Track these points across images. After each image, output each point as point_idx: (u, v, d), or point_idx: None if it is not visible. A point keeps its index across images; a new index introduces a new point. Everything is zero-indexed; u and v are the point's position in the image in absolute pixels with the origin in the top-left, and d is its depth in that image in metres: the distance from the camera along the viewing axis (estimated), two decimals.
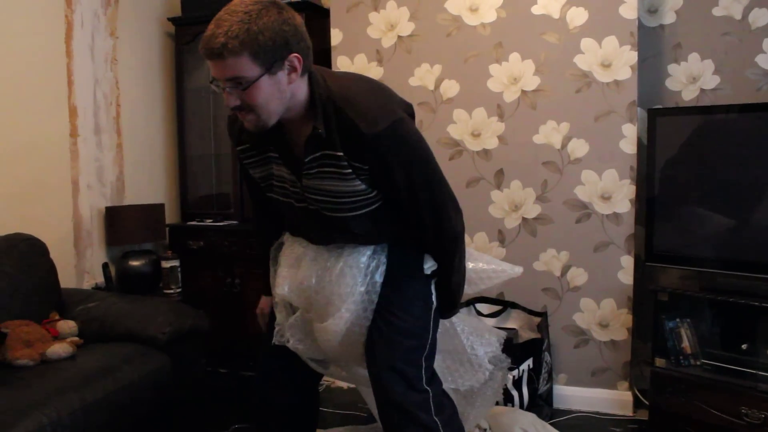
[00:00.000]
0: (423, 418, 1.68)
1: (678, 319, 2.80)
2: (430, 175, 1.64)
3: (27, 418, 1.99)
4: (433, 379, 1.80)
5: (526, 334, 3.13)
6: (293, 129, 1.62)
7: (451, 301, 1.88)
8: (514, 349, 2.93)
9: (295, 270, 1.85)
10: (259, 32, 1.42)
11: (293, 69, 1.50)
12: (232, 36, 1.40)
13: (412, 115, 1.67)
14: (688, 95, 3.17)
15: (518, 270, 2.10)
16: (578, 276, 3.14)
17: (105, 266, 3.51)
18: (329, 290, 1.74)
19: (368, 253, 1.75)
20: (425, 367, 1.75)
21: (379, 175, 1.58)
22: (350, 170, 1.57)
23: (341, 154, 1.55)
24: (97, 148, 3.52)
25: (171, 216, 4.03)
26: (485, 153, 3.24)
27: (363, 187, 1.61)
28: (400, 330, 1.73)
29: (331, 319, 1.73)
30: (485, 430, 2.63)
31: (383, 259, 1.76)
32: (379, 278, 1.75)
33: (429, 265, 1.80)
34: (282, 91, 1.51)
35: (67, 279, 3.21)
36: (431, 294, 1.82)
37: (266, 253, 2.00)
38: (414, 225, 1.71)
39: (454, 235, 1.72)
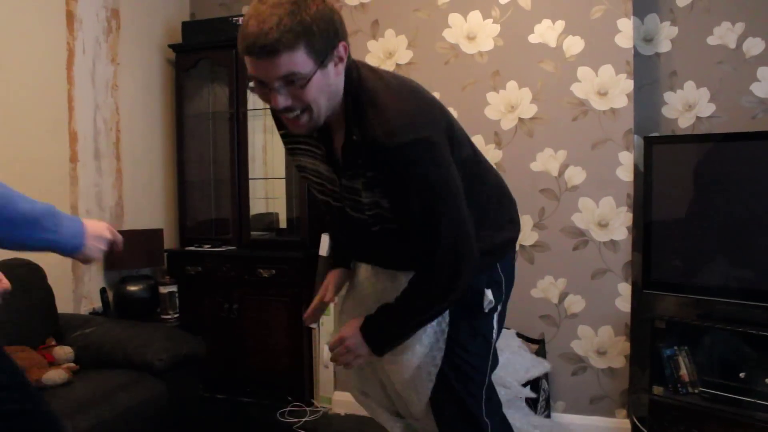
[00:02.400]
0: None
1: (676, 347, 2.80)
2: (441, 206, 1.47)
3: None
4: (491, 405, 1.77)
5: None
6: (332, 127, 1.51)
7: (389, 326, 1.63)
8: None
9: (361, 308, 1.76)
10: (313, 22, 1.30)
11: (340, 59, 1.40)
12: (285, 29, 1.27)
13: (451, 136, 1.52)
14: (684, 123, 3.19)
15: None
16: (576, 303, 3.14)
17: (103, 291, 3.51)
18: None
19: None
20: (485, 398, 1.74)
21: (393, 188, 1.47)
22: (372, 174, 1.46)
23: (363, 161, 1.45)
24: (96, 173, 3.53)
25: (169, 241, 4.03)
26: None
27: (379, 198, 1.50)
28: (460, 368, 1.69)
29: (409, 352, 1.67)
30: None
31: None
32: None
33: (487, 303, 1.75)
34: (330, 85, 1.39)
35: (64, 304, 3.20)
36: (492, 329, 1.78)
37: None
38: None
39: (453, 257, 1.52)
